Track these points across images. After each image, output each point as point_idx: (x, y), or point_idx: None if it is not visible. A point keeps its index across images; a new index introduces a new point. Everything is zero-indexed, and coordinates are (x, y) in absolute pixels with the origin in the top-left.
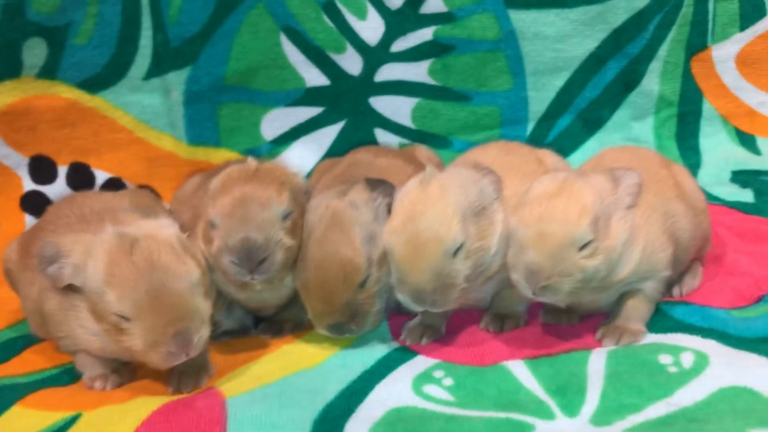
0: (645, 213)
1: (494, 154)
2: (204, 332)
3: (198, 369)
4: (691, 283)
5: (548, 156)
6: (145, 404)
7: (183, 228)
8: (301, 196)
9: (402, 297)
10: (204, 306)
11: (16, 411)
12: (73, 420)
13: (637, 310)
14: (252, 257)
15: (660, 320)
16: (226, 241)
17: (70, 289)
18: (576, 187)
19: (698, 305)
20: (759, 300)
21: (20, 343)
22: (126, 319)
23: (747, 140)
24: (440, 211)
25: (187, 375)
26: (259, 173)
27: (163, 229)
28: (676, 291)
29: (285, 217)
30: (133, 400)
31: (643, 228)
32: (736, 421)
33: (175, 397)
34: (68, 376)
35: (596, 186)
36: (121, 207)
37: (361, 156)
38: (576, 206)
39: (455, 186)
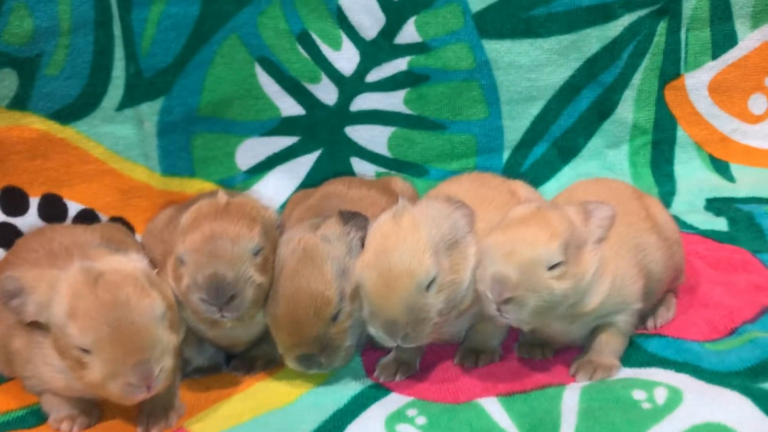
0: (615, 246)
1: (467, 186)
2: (167, 364)
3: (167, 408)
4: (665, 315)
5: (521, 188)
6: None
7: (153, 263)
8: (272, 232)
9: (374, 331)
10: (168, 339)
11: None
12: None
13: (610, 344)
14: (221, 294)
15: (634, 354)
16: (195, 278)
17: (36, 326)
18: (548, 215)
19: (672, 338)
20: (732, 332)
21: None
22: (87, 352)
23: (721, 167)
24: (413, 245)
25: (156, 415)
26: (230, 208)
27: (131, 263)
28: (650, 323)
29: (256, 253)
30: None
31: (613, 261)
32: None
33: None
34: (35, 417)
35: (568, 216)
36: (91, 243)
37: (334, 187)
38: (546, 230)
39: (427, 220)
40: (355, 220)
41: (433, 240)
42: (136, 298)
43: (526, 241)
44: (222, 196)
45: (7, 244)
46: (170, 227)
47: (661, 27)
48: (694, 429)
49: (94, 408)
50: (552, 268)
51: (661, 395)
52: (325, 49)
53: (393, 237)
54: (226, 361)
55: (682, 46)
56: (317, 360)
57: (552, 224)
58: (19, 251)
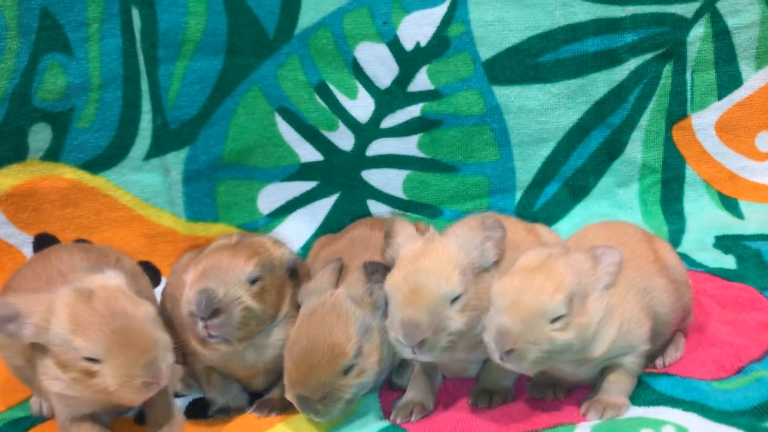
0: (623, 290)
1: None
2: (169, 359)
3: (169, 419)
4: (674, 354)
5: (542, 229)
6: None
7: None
8: (278, 269)
9: (394, 337)
10: (165, 337)
11: None
12: None
13: (619, 384)
14: (207, 306)
15: (643, 393)
16: (188, 294)
17: (35, 347)
18: (556, 264)
19: (680, 377)
20: (739, 371)
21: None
22: (96, 361)
23: (730, 204)
24: (442, 262)
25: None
26: (238, 245)
27: (111, 280)
28: (659, 362)
29: (252, 281)
30: None
31: (620, 306)
32: None
33: None
34: None
35: (576, 265)
36: (77, 267)
37: (359, 232)
38: (553, 282)
39: (458, 245)
40: (378, 275)
41: (461, 263)
42: (131, 306)
43: (530, 292)
44: (234, 236)
45: None
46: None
47: (667, 70)
48: None
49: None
50: (555, 320)
51: None
52: (342, 99)
53: (424, 256)
54: (249, 402)
55: (688, 87)
56: (314, 406)
57: (558, 275)
58: (18, 277)
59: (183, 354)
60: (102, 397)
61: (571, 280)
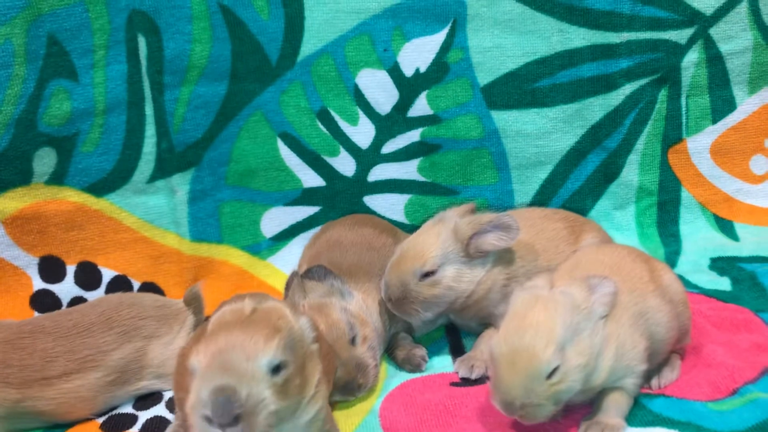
0: (616, 314)
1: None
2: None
3: None
4: (670, 375)
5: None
6: None
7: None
8: (302, 346)
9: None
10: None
11: None
12: None
13: (616, 405)
14: (226, 413)
15: (639, 413)
16: (200, 392)
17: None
18: (546, 308)
19: (676, 398)
20: (734, 392)
21: None
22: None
23: (725, 226)
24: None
25: None
26: (254, 316)
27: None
28: (654, 383)
29: (275, 370)
30: None
31: (614, 332)
32: None
33: None
34: None
35: (568, 302)
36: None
37: (335, 233)
38: (542, 336)
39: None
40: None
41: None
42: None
43: (523, 354)
44: (248, 303)
45: (45, 309)
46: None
47: (662, 95)
48: None
49: None
50: (551, 374)
51: None
52: (343, 125)
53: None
54: None
55: (683, 111)
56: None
57: (546, 326)
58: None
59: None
60: None
61: (562, 323)
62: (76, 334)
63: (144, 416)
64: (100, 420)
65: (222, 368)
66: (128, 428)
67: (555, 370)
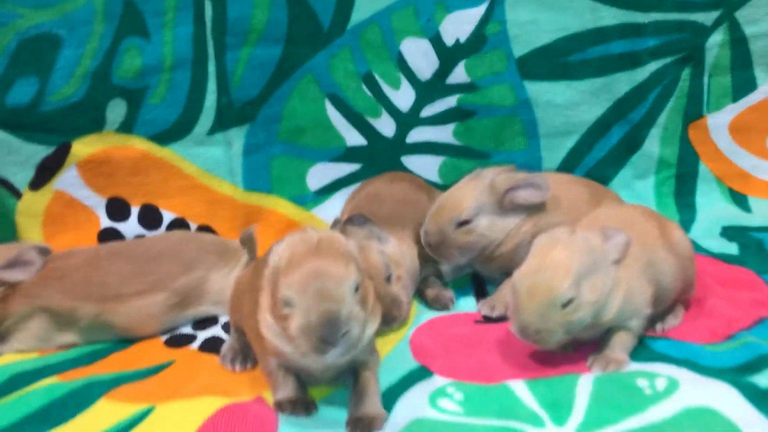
0: (628, 263)
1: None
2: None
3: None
4: (673, 321)
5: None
6: (210, 403)
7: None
8: (361, 264)
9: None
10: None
11: (102, 403)
12: (148, 412)
13: (622, 342)
14: (336, 331)
15: (642, 351)
16: (308, 318)
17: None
18: (564, 250)
19: (676, 340)
20: (729, 338)
21: (104, 351)
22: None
23: (739, 199)
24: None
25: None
26: (322, 245)
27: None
28: (658, 327)
29: (356, 290)
30: (200, 398)
31: (625, 277)
32: None
33: (235, 400)
34: (141, 374)
35: (586, 244)
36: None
37: (374, 187)
38: (561, 269)
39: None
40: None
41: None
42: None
43: (542, 284)
44: (312, 233)
45: None
46: (257, 275)
47: (686, 73)
48: (686, 410)
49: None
50: (566, 304)
51: (661, 384)
52: (386, 89)
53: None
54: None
55: (705, 90)
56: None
57: (565, 261)
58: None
59: (245, 349)
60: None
61: (579, 262)
62: (146, 259)
63: (202, 336)
64: (164, 338)
65: (321, 295)
66: (189, 344)
67: (570, 301)
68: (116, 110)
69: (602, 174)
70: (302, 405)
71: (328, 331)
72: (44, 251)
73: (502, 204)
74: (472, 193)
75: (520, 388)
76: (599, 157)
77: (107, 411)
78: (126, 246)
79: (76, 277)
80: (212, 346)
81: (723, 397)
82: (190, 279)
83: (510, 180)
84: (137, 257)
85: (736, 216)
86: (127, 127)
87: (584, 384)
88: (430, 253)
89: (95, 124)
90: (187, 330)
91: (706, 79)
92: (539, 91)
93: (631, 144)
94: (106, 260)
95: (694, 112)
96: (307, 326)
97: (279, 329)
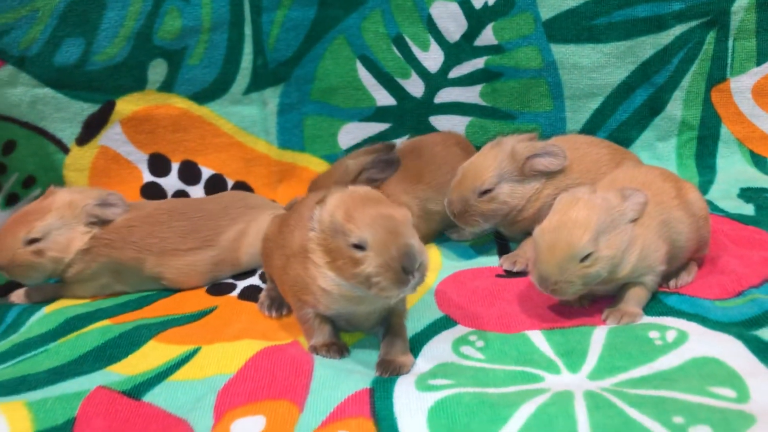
0: (644, 221)
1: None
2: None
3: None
4: (686, 278)
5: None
6: (251, 345)
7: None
8: None
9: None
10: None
11: (152, 344)
12: (195, 352)
13: (636, 297)
14: (415, 261)
15: (655, 306)
16: (390, 254)
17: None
18: (584, 207)
19: (688, 296)
20: (738, 294)
21: (151, 298)
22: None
23: (759, 161)
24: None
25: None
26: (371, 196)
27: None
28: (672, 283)
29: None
30: (241, 341)
31: (641, 235)
32: (700, 381)
33: (272, 343)
34: (186, 319)
35: (606, 202)
36: None
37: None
38: (581, 225)
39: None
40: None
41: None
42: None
43: (562, 238)
44: (352, 189)
45: (153, 198)
46: (284, 233)
47: (710, 36)
48: (694, 360)
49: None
50: (584, 258)
51: (671, 335)
52: (416, 50)
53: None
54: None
55: (729, 53)
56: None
57: (585, 218)
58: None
59: (280, 297)
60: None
61: (598, 219)
62: (200, 216)
63: (241, 284)
64: (206, 286)
65: (394, 232)
66: (229, 292)
67: (588, 256)
68: (157, 70)
69: (625, 135)
70: (336, 348)
71: (408, 261)
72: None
73: (522, 171)
74: (493, 162)
75: (537, 337)
76: (622, 119)
77: (157, 351)
78: (182, 203)
79: (143, 231)
80: (250, 294)
81: (728, 349)
82: (232, 233)
83: (531, 148)
84: (192, 214)
85: (755, 178)
86: (167, 86)
87: (598, 335)
88: (455, 222)
89: (138, 83)
90: (227, 279)
91: (730, 43)
92: (565, 53)
93: (655, 106)
94: (166, 216)
95: (717, 75)
96: (390, 261)
97: (345, 278)
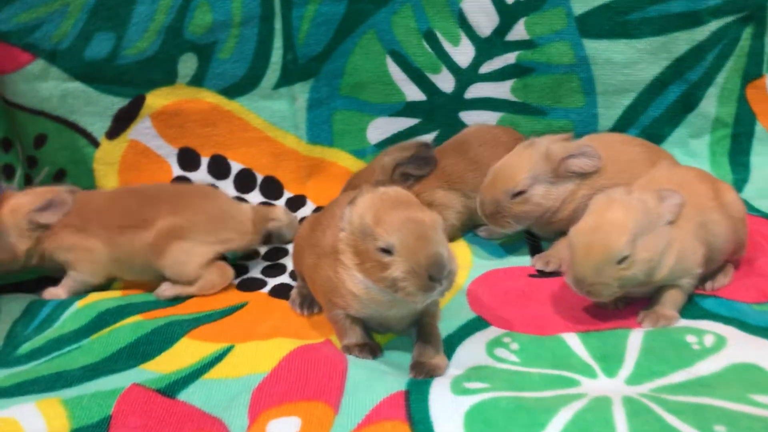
0: (681, 223)
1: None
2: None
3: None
4: (722, 280)
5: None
6: (284, 344)
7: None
8: None
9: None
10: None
11: (185, 341)
12: (228, 350)
13: (672, 299)
14: (442, 270)
15: (691, 309)
16: (418, 261)
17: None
18: (620, 209)
19: (725, 299)
20: None
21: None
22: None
23: None
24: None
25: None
26: (401, 198)
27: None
28: (708, 285)
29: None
30: (274, 339)
31: (678, 237)
32: (741, 388)
33: (305, 342)
34: (218, 315)
35: (642, 204)
36: None
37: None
38: (617, 227)
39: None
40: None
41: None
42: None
43: (598, 240)
44: (383, 190)
45: None
46: (316, 232)
47: (747, 32)
48: (732, 366)
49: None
50: (621, 261)
51: (709, 340)
52: (446, 45)
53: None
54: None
55: (766, 49)
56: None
57: (622, 220)
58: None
59: (311, 295)
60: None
61: (635, 221)
62: (148, 198)
63: (272, 282)
64: (236, 281)
65: (423, 238)
66: (260, 289)
67: (625, 258)
68: (187, 64)
69: (658, 132)
70: (369, 349)
71: (436, 270)
72: (74, 192)
73: (557, 172)
74: (527, 163)
75: (573, 339)
76: (655, 115)
77: (191, 348)
78: (145, 186)
79: (95, 208)
80: (281, 292)
81: None
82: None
83: (566, 148)
84: (144, 195)
85: None
86: (197, 80)
87: (635, 338)
88: (487, 223)
89: (168, 78)
90: (257, 275)
91: (767, 39)
92: (598, 49)
93: (688, 103)
94: (121, 195)
95: (753, 71)
96: (417, 267)
97: (373, 280)
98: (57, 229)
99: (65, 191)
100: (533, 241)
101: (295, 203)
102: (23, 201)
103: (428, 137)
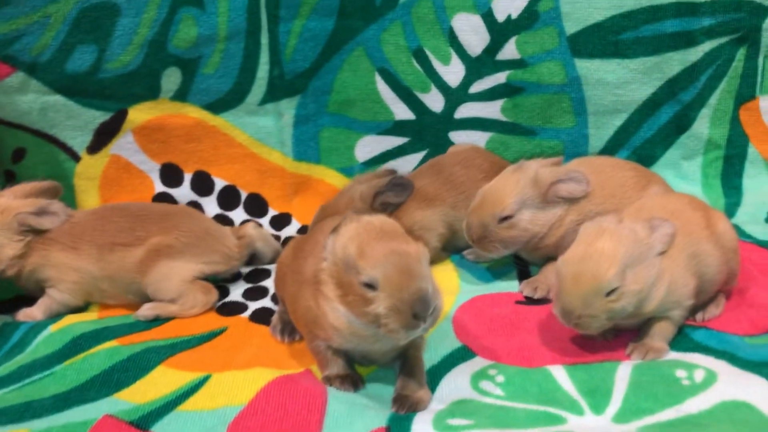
0: (672, 254)
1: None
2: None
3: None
4: (713, 311)
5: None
6: (263, 374)
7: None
8: None
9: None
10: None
11: (161, 369)
12: (205, 380)
13: (662, 331)
14: (427, 307)
15: (682, 341)
16: (401, 298)
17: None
18: (610, 239)
19: (716, 330)
20: None
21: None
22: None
23: None
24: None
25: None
26: (386, 229)
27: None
28: (699, 316)
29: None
30: (253, 369)
31: (669, 269)
32: (732, 428)
33: (285, 372)
34: (196, 341)
35: (633, 234)
36: None
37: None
38: (607, 258)
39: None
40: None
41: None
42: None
43: (587, 271)
44: (368, 219)
45: None
46: (299, 259)
47: (740, 53)
48: (723, 404)
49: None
50: (610, 293)
51: (699, 375)
52: (436, 64)
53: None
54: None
55: (759, 71)
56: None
57: (611, 251)
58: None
59: (291, 323)
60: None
61: (625, 251)
62: (139, 217)
63: (253, 306)
64: (218, 305)
65: (407, 274)
66: (240, 313)
67: (614, 290)
68: (171, 79)
69: (649, 153)
70: (351, 380)
71: (420, 307)
72: (58, 191)
73: (545, 197)
74: (514, 187)
75: (559, 373)
76: (647, 136)
77: (166, 377)
78: (130, 204)
79: (85, 227)
80: (262, 317)
81: (760, 392)
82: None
83: (555, 173)
84: (133, 214)
85: None
86: (181, 95)
87: (623, 372)
88: (474, 246)
89: (151, 92)
90: (238, 298)
91: (761, 60)
92: (590, 68)
93: (681, 124)
94: (110, 213)
95: (746, 93)
96: (400, 304)
97: (355, 314)
98: (47, 244)
99: (54, 188)
100: (521, 265)
101: (280, 221)
102: (14, 203)
103: (398, 163)
